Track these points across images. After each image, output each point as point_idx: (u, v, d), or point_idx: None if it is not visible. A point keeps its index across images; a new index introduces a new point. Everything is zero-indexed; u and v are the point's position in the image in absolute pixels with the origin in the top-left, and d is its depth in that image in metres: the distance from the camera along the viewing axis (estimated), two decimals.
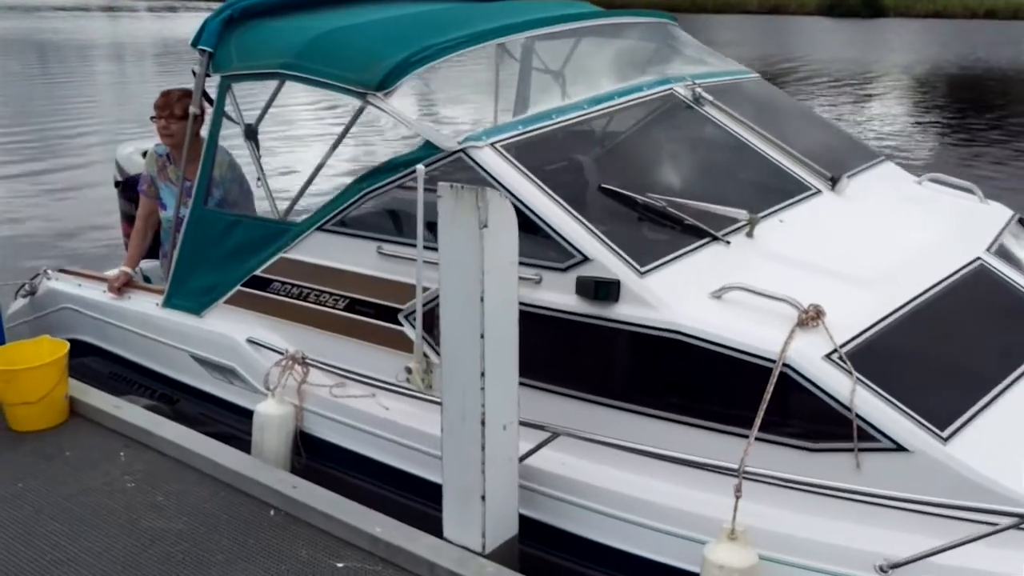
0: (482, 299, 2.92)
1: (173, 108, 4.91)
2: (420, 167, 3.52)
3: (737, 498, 2.85)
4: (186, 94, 4.89)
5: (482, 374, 2.98)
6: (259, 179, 4.54)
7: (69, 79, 26.09)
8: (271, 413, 4.05)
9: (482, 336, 2.95)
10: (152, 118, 4.96)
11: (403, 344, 3.83)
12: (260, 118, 4.68)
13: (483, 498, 3.15)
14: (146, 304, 4.92)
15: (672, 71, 4.52)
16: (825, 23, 48.30)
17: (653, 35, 4.96)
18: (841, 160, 4.38)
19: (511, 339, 3.07)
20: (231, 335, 4.43)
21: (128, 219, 6.40)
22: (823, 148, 4.42)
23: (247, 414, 4.35)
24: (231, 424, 4.49)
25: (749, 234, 3.63)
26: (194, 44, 4.63)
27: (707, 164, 4.13)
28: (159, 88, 5.15)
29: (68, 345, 4.37)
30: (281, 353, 4.21)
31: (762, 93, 4.81)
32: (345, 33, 4.30)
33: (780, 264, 3.50)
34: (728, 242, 3.56)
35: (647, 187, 3.69)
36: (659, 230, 3.59)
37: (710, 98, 4.28)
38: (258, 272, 4.36)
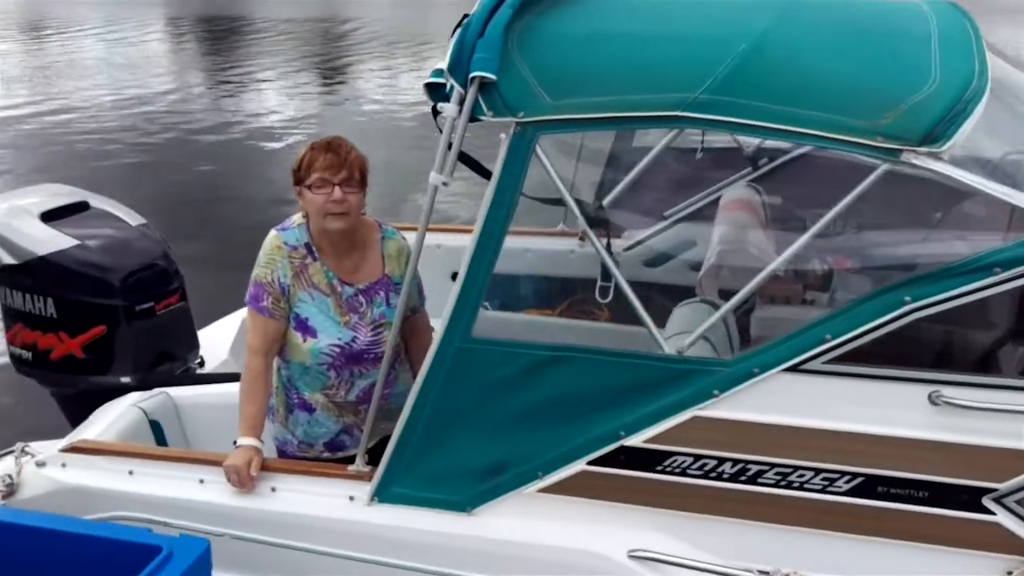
0: None
1: (353, 171, 2.81)
2: None
3: None
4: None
5: None
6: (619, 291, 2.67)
7: None
8: None
9: None
10: (304, 187, 2.80)
11: (990, 542, 2.45)
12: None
13: None
14: (323, 501, 2.82)
15: None
16: None
17: None
18: None
19: None
20: (587, 547, 2.63)
21: (20, 319, 3.79)
22: None
23: None
24: None
25: None
26: (456, 69, 2.51)
27: None
28: None
29: None
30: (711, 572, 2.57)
31: None
32: (792, 51, 2.58)
33: None
34: None
35: None
36: None
37: None
38: (633, 442, 2.59)
